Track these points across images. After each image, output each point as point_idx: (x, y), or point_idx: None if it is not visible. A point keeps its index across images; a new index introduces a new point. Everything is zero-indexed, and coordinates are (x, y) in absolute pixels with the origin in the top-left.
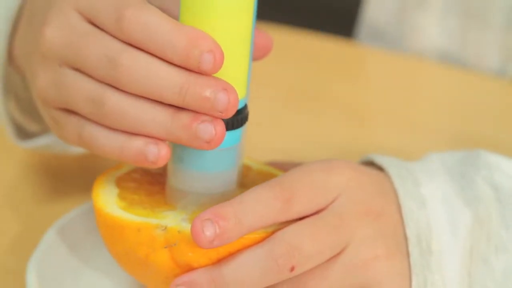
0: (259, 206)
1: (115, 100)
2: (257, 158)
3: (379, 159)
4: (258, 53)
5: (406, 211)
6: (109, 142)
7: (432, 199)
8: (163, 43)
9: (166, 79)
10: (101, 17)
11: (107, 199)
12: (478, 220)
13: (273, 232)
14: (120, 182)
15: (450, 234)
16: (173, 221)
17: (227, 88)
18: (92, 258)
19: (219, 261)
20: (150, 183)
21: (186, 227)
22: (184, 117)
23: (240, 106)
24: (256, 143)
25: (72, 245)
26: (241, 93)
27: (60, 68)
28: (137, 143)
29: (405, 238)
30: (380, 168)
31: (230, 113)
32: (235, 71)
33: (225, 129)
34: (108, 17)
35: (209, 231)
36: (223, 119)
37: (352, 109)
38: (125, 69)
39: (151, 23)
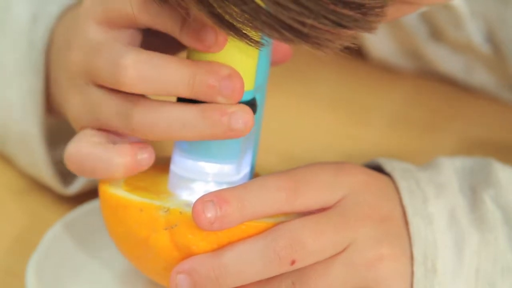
0: (263, 194)
1: (141, 114)
2: (266, 163)
3: (389, 167)
4: (278, 58)
5: (414, 230)
6: None
7: (439, 217)
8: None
9: (175, 72)
10: (114, 16)
11: (113, 182)
12: (484, 242)
13: (276, 224)
14: None
15: (455, 255)
16: (176, 204)
17: (231, 74)
18: (92, 260)
19: (219, 247)
20: (158, 175)
21: (188, 209)
22: (212, 114)
23: (246, 98)
24: (266, 148)
25: (72, 246)
26: (248, 84)
27: (87, 87)
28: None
29: (410, 245)
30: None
31: (236, 98)
32: (242, 61)
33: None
34: (120, 12)
35: (210, 213)
36: None
37: (358, 111)
38: (131, 71)
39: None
